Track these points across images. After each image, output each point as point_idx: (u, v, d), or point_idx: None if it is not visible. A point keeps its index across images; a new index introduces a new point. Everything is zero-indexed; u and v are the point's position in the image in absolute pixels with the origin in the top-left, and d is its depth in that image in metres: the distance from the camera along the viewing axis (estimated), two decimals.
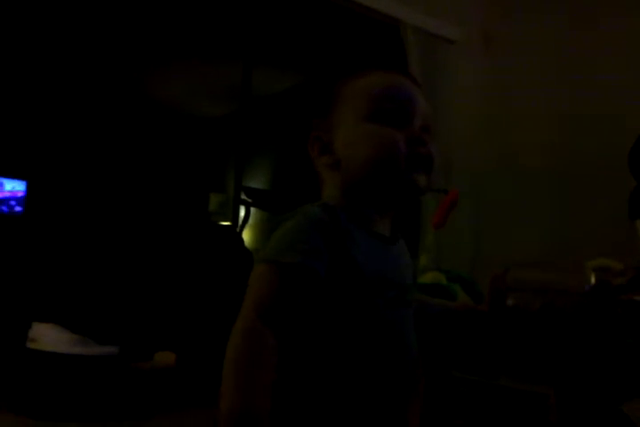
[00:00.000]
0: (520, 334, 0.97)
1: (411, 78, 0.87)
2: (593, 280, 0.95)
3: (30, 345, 2.25)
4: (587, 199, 2.40)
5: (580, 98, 2.51)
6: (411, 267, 0.88)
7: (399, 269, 0.83)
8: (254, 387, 0.65)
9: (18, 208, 3.70)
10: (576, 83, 2.52)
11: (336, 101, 0.84)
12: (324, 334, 0.73)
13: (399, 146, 0.79)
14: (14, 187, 3.75)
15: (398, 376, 0.78)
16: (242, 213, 3.86)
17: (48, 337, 2.22)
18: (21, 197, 3.72)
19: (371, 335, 0.75)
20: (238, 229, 3.64)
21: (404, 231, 0.94)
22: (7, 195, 3.76)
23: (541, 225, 2.57)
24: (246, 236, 3.63)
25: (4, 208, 3.72)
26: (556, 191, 2.53)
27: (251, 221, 3.76)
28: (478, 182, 2.87)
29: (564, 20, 2.57)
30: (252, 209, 3.74)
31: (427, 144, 0.81)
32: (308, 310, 0.73)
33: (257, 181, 4.11)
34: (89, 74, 3.92)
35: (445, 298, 1.14)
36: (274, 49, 3.66)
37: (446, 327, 1.02)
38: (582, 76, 2.51)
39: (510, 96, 2.87)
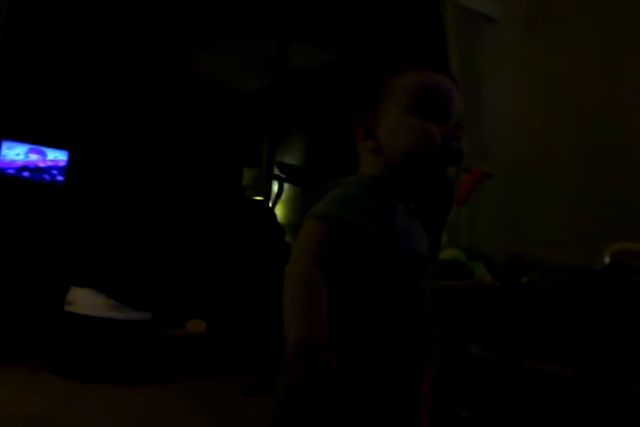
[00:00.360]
0: (533, 311, 0.99)
1: (450, 77, 0.95)
2: (607, 261, 0.96)
3: (67, 308, 2.35)
4: (621, 182, 2.37)
5: (617, 81, 2.46)
6: (427, 244, 0.95)
7: (422, 243, 0.91)
8: (316, 320, 0.70)
9: (60, 177, 3.80)
10: (616, 66, 2.47)
11: (383, 94, 0.92)
12: (362, 290, 0.80)
13: (435, 139, 0.87)
14: (56, 156, 3.86)
15: (418, 339, 0.85)
16: (275, 188, 3.90)
17: (85, 301, 2.31)
18: (63, 166, 3.82)
19: (398, 295, 0.82)
20: (271, 204, 3.69)
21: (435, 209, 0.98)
22: (49, 164, 3.87)
23: (574, 208, 2.55)
24: (279, 211, 3.68)
25: (47, 177, 3.83)
26: (590, 174, 2.50)
27: (283, 196, 3.81)
28: (512, 163, 2.85)
29: (610, 2, 2.51)
30: (286, 185, 3.78)
31: (460, 139, 0.89)
32: (354, 266, 0.78)
33: (291, 157, 4.14)
34: (130, 47, 3.98)
35: (463, 275, 1.16)
36: (311, 24, 3.65)
37: (455, 303, 1.05)
38: (623, 59, 2.45)
39: (549, 78, 2.82)
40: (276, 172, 3.69)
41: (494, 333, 1.70)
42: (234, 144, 4.52)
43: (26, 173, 3.66)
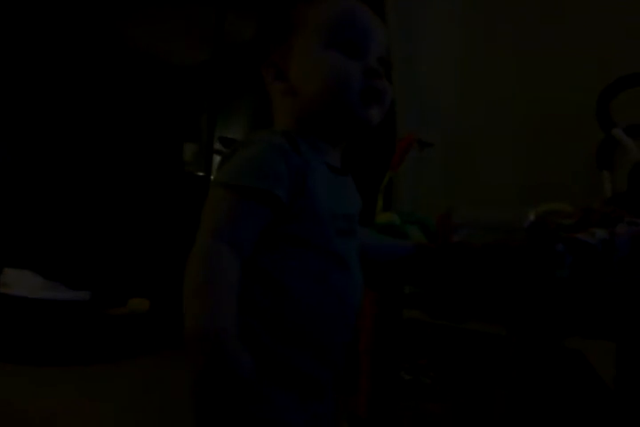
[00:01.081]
0: (464, 271, 1.00)
1: (370, 7, 0.85)
2: (532, 218, 0.98)
3: (2, 290, 2.27)
4: (556, 150, 2.42)
5: (551, 44, 2.49)
6: (358, 200, 0.89)
7: (348, 200, 0.84)
8: (219, 305, 0.65)
9: None
10: (551, 29, 2.50)
11: (293, 27, 0.81)
12: (280, 260, 0.73)
13: (354, 78, 0.78)
14: None
15: (347, 303, 0.79)
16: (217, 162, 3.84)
17: (20, 282, 2.24)
18: None
19: (322, 262, 0.76)
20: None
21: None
22: None
23: (510, 174, 2.60)
24: None
25: None
26: (525, 140, 2.55)
27: None
28: (451, 132, 2.89)
29: None
30: None
31: (382, 77, 0.80)
32: (267, 235, 0.72)
33: (233, 132, 4.08)
34: (60, 19, 3.81)
35: (398, 237, 1.17)
36: None
37: (397, 265, 1.06)
38: (558, 22, 2.48)
39: (484, 43, 2.84)
40: (218, 146, 3.63)
41: (431, 296, 1.73)
42: (173, 119, 4.42)
43: None
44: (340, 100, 0.78)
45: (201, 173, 3.83)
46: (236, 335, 0.66)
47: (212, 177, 3.68)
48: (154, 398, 2.04)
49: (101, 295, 2.42)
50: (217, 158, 3.89)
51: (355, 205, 0.87)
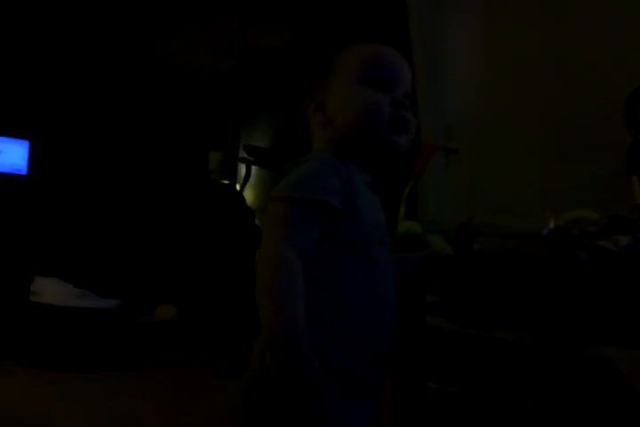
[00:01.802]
0: (486, 278, 1.00)
1: (398, 50, 0.96)
2: (552, 226, 0.97)
3: (33, 298, 2.32)
4: (584, 156, 2.39)
5: (578, 51, 2.47)
6: (384, 216, 0.95)
7: (381, 215, 0.92)
8: (293, 308, 0.71)
9: (22, 168, 3.73)
10: (576, 36, 2.47)
11: (331, 67, 0.93)
12: (332, 267, 0.80)
13: (384, 108, 0.88)
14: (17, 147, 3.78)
15: (389, 309, 0.86)
16: (243, 171, 3.87)
17: (50, 291, 2.28)
18: (24, 156, 3.74)
19: (368, 268, 0.83)
20: (240, 188, 3.66)
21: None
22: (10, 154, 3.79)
23: (537, 181, 2.57)
24: (247, 194, 3.66)
25: (8, 168, 3.76)
26: (553, 146, 2.51)
27: (252, 179, 3.78)
28: (477, 139, 2.87)
29: None
30: (254, 167, 3.75)
31: (409, 109, 0.90)
32: (320, 243, 0.79)
33: (257, 140, 4.10)
34: (91, 32, 3.89)
35: (419, 246, 1.17)
36: (270, 2, 3.61)
37: (413, 275, 1.06)
38: (583, 29, 2.46)
39: (508, 52, 2.82)
40: (244, 155, 3.66)
41: (455, 305, 1.71)
42: (199, 127, 4.47)
43: None
44: (371, 127, 0.87)
45: (226, 182, 3.86)
46: (308, 339, 0.71)
47: (237, 185, 3.71)
48: (182, 404, 2.06)
49: (130, 303, 2.46)
50: (242, 166, 3.93)
51: (384, 220, 0.94)
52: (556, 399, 1.12)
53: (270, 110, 4.15)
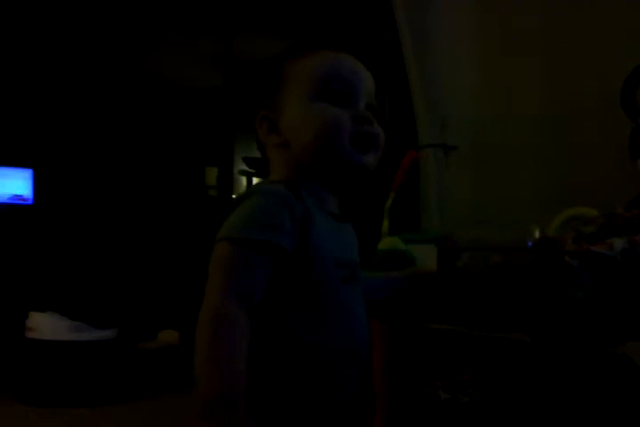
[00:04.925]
0: (471, 294, 0.93)
1: (356, 57, 0.86)
2: (537, 236, 0.90)
3: (29, 334, 2.28)
4: (586, 147, 2.31)
5: (575, 37, 2.38)
6: (357, 245, 0.87)
7: (350, 247, 0.83)
8: (231, 369, 0.64)
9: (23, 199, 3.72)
10: (571, 21, 2.39)
11: (282, 81, 0.83)
12: (288, 313, 0.72)
13: (344, 125, 0.78)
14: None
15: (358, 349, 0.78)
16: (244, 184, 3.82)
17: (46, 326, 2.24)
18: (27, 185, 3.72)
19: (329, 311, 0.75)
20: None
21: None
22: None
23: (540, 176, 2.48)
24: None
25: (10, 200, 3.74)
26: (552, 139, 2.42)
27: None
28: (476, 134, 2.79)
29: None
30: (255, 180, 3.70)
31: (373, 122, 0.81)
32: (274, 288, 0.71)
33: (256, 151, 4.04)
34: (83, 52, 3.86)
35: (402, 263, 1.10)
36: (255, 13, 3.57)
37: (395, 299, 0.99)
38: (579, 12, 2.37)
39: (504, 46, 2.73)
40: (243, 167, 3.60)
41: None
42: (193, 144, 4.42)
43: None
44: (331, 148, 0.79)
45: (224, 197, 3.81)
46: (245, 402, 0.64)
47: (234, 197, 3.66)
48: None
49: (130, 331, 2.40)
50: (242, 179, 3.87)
51: (356, 253, 0.85)
52: (573, 401, 1.04)
53: None
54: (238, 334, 0.66)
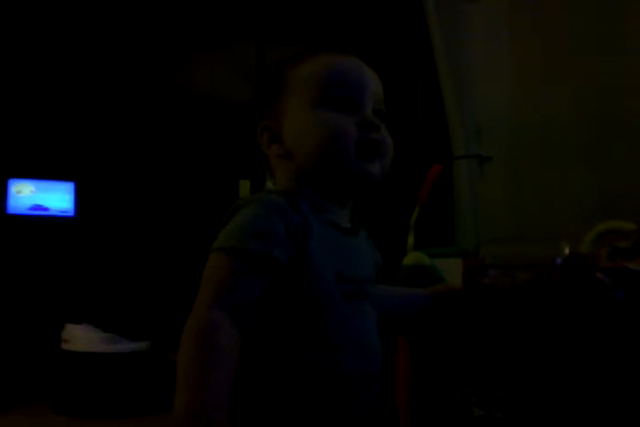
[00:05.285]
0: (498, 316, 0.89)
1: (361, 59, 0.83)
2: (567, 252, 0.86)
3: (64, 346, 2.31)
4: (626, 158, 2.24)
5: (608, 47, 2.33)
6: (372, 259, 0.84)
7: (358, 261, 0.79)
8: (212, 381, 0.61)
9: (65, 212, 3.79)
10: (616, 40, 2.33)
11: (283, 88, 0.80)
12: (281, 326, 0.70)
13: (349, 133, 0.75)
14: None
15: (362, 369, 0.74)
16: None
17: (80, 337, 2.27)
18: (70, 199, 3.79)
19: (326, 329, 0.71)
20: None
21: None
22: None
23: (579, 187, 2.41)
24: None
25: (54, 213, 3.81)
26: (593, 149, 2.35)
27: None
28: (511, 145, 2.74)
29: None
30: None
31: (380, 128, 0.77)
32: (268, 301, 0.69)
33: None
34: (117, 69, 3.94)
35: (427, 279, 1.07)
36: (286, 22, 3.59)
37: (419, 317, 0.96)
38: (622, 31, 2.31)
39: (541, 55, 2.67)
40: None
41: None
42: (226, 157, 4.44)
43: (33, 211, 3.63)
44: (335, 157, 0.75)
45: None
46: (227, 420, 0.61)
47: None
48: None
49: (162, 342, 2.41)
50: None
51: (369, 266, 0.82)
52: (610, 420, 0.99)
53: None
54: (223, 346, 0.62)
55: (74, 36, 3.50)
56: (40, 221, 3.33)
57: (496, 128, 2.86)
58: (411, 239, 1.19)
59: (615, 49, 2.23)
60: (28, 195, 3.55)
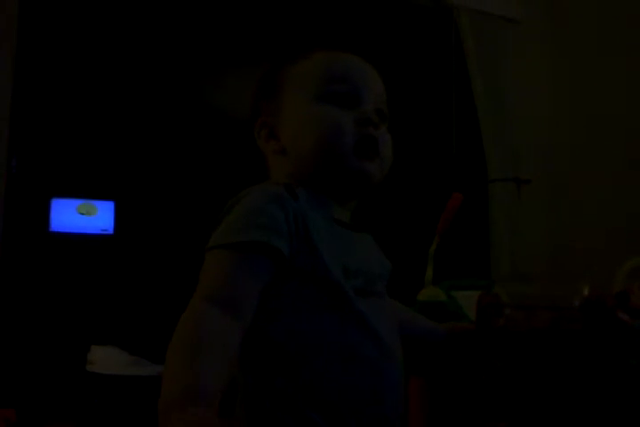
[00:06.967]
0: (512, 359, 0.84)
1: (361, 57, 0.83)
2: (585, 293, 0.80)
3: (89, 368, 2.32)
4: None
5: None
6: (381, 261, 0.82)
7: (364, 257, 0.76)
8: (203, 368, 0.59)
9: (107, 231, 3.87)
10: None
11: (281, 84, 0.81)
12: (292, 327, 0.68)
13: (347, 129, 0.74)
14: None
15: (382, 376, 0.70)
16: None
17: (105, 359, 2.27)
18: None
19: (342, 325, 0.69)
20: None
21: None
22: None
23: (619, 211, 2.32)
24: None
25: (96, 231, 3.88)
26: (628, 177, 2.26)
27: None
28: (552, 169, 2.66)
29: None
30: None
31: (378, 125, 0.76)
32: (271, 293, 0.67)
33: None
34: (151, 88, 3.99)
35: (443, 315, 1.02)
36: (321, 41, 3.59)
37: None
38: None
39: (580, 78, 2.60)
40: None
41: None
42: (254, 174, 4.46)
43: (74, 229, 3.69)
44: (331, 154, 0.74)
45: None
46: (217, 411, 0.60)
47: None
48: None
49: None
50: None
51: (376, 264, 0.78)
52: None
53: None
54: (211, 335, 0.61)
55: (113, 57, 3.56)
56: (81, 239, 3.38)
57: (536, 149, 2.78)
58: (429, 271, 1.14)
59: None
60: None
